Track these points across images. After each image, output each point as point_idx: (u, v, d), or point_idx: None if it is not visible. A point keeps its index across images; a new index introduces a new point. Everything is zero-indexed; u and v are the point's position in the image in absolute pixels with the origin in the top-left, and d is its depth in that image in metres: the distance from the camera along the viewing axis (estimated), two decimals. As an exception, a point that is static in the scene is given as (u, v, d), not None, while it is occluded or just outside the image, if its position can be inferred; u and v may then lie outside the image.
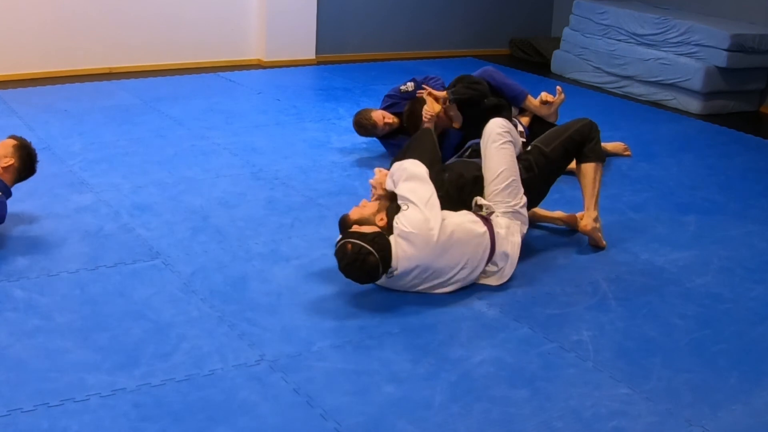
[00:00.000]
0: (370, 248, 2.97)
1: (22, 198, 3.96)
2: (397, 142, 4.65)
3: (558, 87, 4.64)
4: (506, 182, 3.36)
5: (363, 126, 4.73)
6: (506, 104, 4.63)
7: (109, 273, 3.26)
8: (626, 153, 5.15)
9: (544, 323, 3.04)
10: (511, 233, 3.29)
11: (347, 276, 3.07)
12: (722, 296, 3.35)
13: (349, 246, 2.99)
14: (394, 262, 3.04)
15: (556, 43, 8.04)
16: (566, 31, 7.79)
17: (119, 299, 3.06)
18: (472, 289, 3.26)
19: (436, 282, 3.16)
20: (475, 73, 4.70)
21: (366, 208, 3.36)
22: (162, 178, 4.37)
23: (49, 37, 6.49)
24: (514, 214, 3.36)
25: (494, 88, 4.61)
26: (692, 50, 6.63)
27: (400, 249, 3.04)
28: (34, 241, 3.51)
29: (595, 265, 3.56)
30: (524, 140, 4.45)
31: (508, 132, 3.46)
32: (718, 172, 5.03)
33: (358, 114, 4.80)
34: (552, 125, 4.48)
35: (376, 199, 3.42)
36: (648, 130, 5.95)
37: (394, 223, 3.11)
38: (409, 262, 3.05)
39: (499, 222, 3.28)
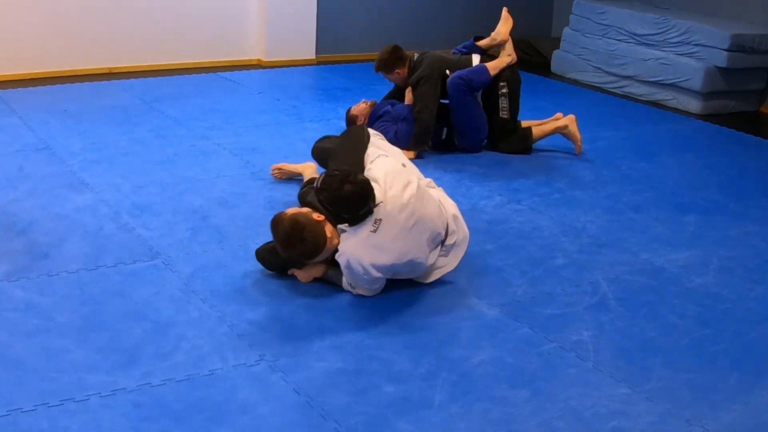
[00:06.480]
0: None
1: (22, 198, 3.97)
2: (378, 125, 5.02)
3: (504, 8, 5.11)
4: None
5: (346, 119, 5.25)
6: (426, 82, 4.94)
7: (109, 273, 3.26)
8: (572, 133, 5.10)
9: (544, 323, 3.04)
10: (443, 197, 3.42)
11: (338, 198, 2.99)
12: (722, 296, 3.35)
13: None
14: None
15: (556, 43, 8.03)
16: (566, 31, 7.78)
17: (119, 299, 3.06)
18: (472, 289, 3.27)
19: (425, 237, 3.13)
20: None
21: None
22: (162, 178, 4.37)
23: (49, 37, 6.49)
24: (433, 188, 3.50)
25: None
26: (692, 50, 6.63)
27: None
28: (34, 241, 3.51)
29: (595, 265, 3.57)
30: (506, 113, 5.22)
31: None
32: (718, 172, 5.03)
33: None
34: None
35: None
36: (648, 130, 5.95)
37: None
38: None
39: (431, 193, 3.39)
